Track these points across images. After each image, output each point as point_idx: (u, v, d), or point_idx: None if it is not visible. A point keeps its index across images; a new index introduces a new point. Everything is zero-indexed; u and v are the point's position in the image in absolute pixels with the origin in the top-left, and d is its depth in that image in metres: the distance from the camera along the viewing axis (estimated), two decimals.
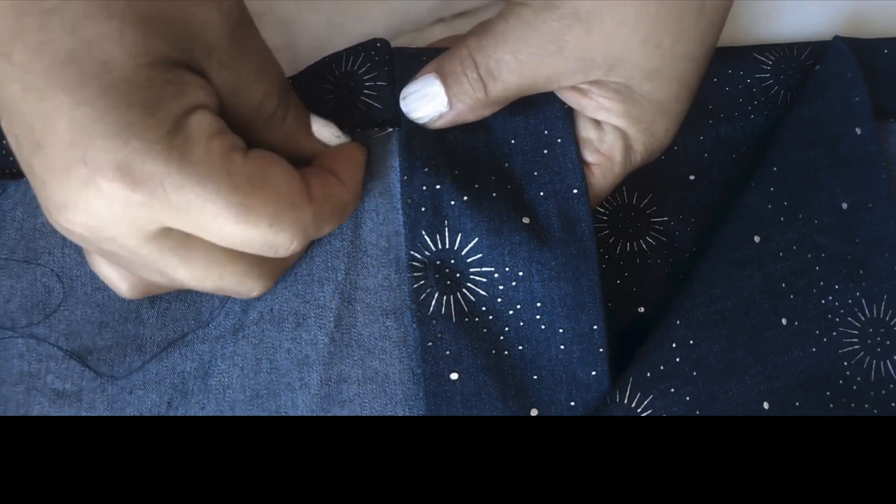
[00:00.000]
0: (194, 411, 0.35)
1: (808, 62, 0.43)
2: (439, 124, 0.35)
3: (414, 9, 0.44)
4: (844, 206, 0.39)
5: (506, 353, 0.35)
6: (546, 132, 0.36)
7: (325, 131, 0.35)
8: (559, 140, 0.36)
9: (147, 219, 0.28)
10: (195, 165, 0.27)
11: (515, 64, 0.33)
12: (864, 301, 0.39)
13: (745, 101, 0.43)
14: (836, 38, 0.41)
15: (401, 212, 0.36)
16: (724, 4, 0.34)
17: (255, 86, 0.31)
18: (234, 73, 0.30)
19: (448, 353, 0.35)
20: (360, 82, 0.38)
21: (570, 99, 0.36)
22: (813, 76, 0.41)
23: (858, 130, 0.39)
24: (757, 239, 0.37)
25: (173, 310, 0.36)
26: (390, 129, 0.37)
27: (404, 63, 0.37)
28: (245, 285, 0.32)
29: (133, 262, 0.30)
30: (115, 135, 0.26)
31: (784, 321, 0.37)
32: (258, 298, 0.36)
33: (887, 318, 0.39)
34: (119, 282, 0.33)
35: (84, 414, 0.34)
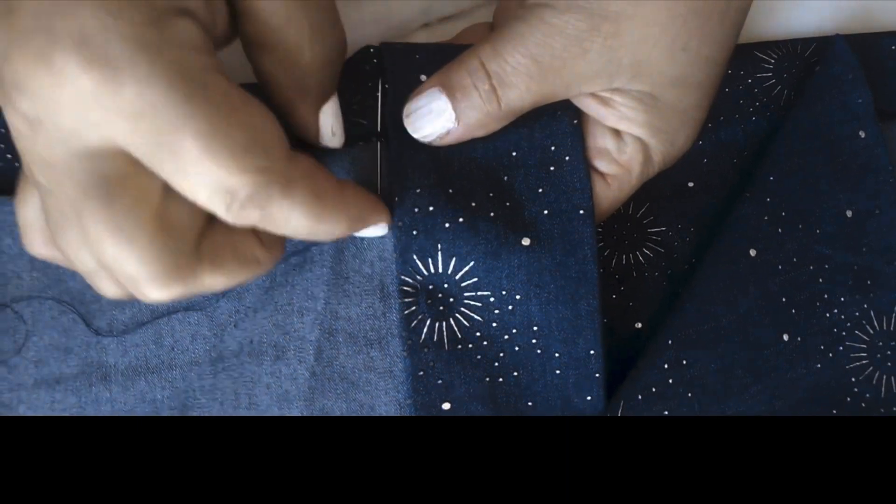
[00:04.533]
0: None
1: (812, 59, 0.41)
2: (446, 141, 0.33)
3: (399, 14, 0.43)
4: (849, 213, 0.37)
5: (500, 379, 0.34)
6: (553, 148, 0.35)
7: (328, 119, 0.33)
8: (567, 158, 0.34)
9: (94, 119, 0.24)
10: (168, 65, 0.24)
11: (536, 68, 0.31)
12: (872, 313, 0.37)
13: (746, 103, 0.41)
14: (838, 37, 0.39)
15: (385, 235, 0.35)
16: (745, 7, 0.33)
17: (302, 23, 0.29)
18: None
19: (440, 382, 0.34)
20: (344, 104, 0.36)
21: (589, 107, 0.34)
22: (812, 79, 0.39)
23: (862, 134, 0.37)
24: (753, 252, 0.36)
25: (132, 334, 0.35)
26: (374, 140, 0.35)
27: (394, 61, 0.35)
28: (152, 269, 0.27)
29: (58, 197, 0.26)
30: (88, 4, 0.24)
31: (786, 337, 0.35)
32: (237, 327, 0.35)
33: None
34: (34, 232, 0.30)
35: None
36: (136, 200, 0.26)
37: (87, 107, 0.24)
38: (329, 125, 0.33)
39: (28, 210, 0.30)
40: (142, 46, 0.24)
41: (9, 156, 0.36)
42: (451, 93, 0.32)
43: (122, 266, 0.26)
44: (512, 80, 0.32)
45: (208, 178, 0.25)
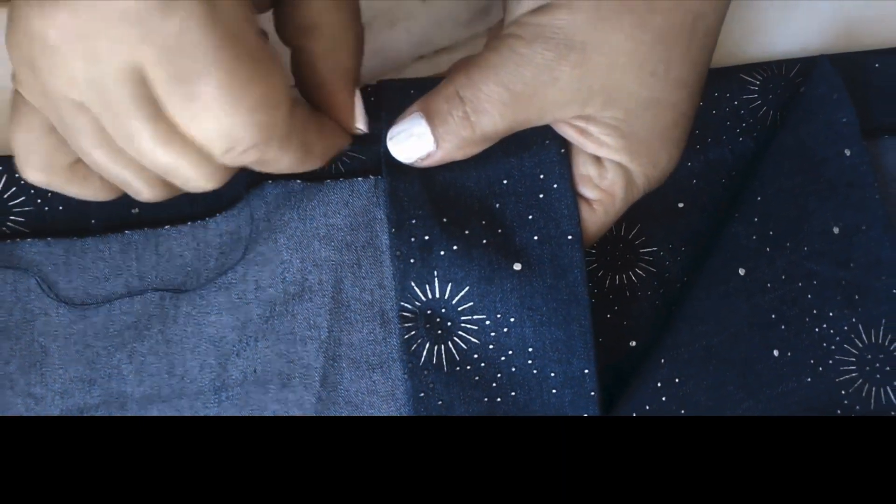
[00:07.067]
0: None
1: (797, 80, 0.42)
2: (427, 164, 0.35)
3: (394, 48, 0.44)
4: (836, 230, 0.38)
5: (498, 399, 0.35)
6: (542, 176, 0.36)
7: (360, 103, 0.35)
8: (555, 185, 0.36)
9: (128, 39, 0.26)
10: (218, 12, 0.26)
11: (508, 96, 0.33)
12: (860, 326, 0.38)
13: (732, 124, 0.42)
14: (822, 57, 0.40)
15: (384, 264, 0.36)
16: (714, 28, 0.34)
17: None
18: None
19: (440, 402, 0.35)
20: None
21: (569, 135, 0.35)
22: (797, 99, 0.40)
23: (847, 152, 0.38)
24: (742, 271, 0.37)
25: (148, 363, 0.36)
26: (371, 178, 0.37)
27: (390, 97, 0.37)
28: (198, 172, 0.29)
29: (101, 113, 0.28)
30: None
31: (776, 353, 0.36)
32: (240, 357, 0.36)
33: (886, 343, 0.38)
34: (31, 154, 0.31)
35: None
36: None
37: (129, 24, 0.26)
38: (361, 108, 0.35)
39: (30, 136, 0.31)
40: None
41: (38, 200, 0.38)
42: (430, 118, 0.34)
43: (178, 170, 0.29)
44: (485, 107, 0.33)
45: (215, 125, 0.28)
